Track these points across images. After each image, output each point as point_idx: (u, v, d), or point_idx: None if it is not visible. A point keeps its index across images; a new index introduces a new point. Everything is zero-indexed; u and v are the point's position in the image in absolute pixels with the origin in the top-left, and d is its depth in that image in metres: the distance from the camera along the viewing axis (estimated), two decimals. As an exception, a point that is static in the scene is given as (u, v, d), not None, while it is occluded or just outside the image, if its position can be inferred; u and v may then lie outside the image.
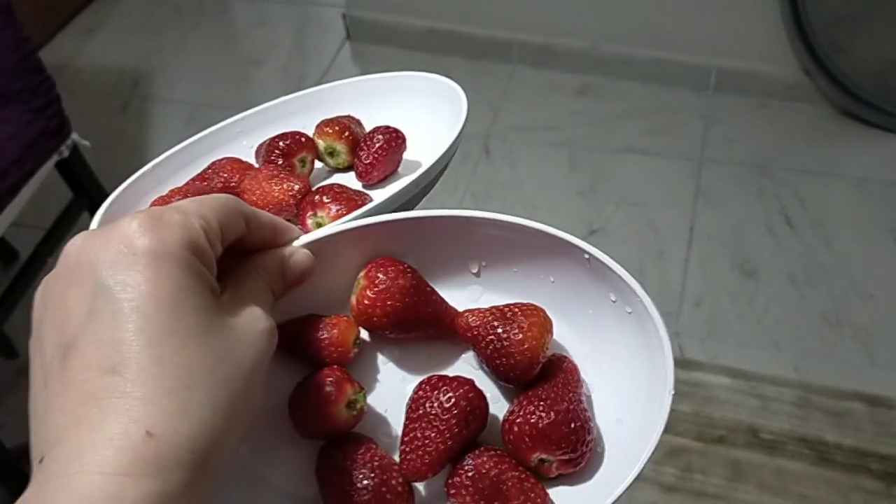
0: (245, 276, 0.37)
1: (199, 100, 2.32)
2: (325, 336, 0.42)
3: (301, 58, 2.41)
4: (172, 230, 0.32)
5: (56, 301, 0.31)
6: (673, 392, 0.37)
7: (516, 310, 0.41)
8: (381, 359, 0.45)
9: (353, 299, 0.42)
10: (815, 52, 1.96)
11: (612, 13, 2.13)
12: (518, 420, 0.39)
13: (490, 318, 0.41)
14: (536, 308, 0.41)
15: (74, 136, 1.51)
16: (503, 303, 0.42)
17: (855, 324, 1.63)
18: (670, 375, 0.37)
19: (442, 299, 0.44)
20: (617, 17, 2.13)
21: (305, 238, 0.41)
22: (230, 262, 0.37)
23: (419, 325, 0.42)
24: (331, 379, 0.41)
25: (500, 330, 0.40)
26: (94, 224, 0.49)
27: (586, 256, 0.41)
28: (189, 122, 2.25)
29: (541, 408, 0.39)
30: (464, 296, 0.45)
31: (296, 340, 0.42)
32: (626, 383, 0.41)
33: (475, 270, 0.45)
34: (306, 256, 0.40)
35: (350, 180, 0.55)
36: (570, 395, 0.40)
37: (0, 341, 1.66)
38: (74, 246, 0.32)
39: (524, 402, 0.39)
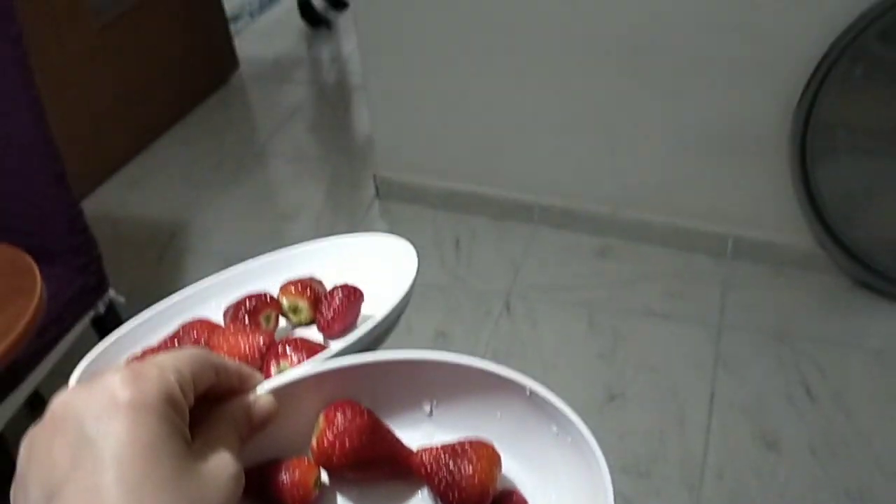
0: (214, 424, 0.40)
1: (233, 253, 2.41)
2: (287, 479, 0.44)
3: (332, 214, 2.52)
4: (151, 384, 0.35)
5: (42, 451, 0.34)
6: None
7: (466, 446, 0.44)
8: (341, 500, 0.47)
9: (314, 441, 0.45)
10: (829, 224, 2.02)
11: (632, 180, 2.22)
12: None
13: (442, 455, 0.44)
14: (485, 444, 0.44)
15: (111, 292, 1.57)
16: (455, 439, 0.45)
17: (879, 501, 1.59)
18: (610, 498, 0.39)
19: (397, 439, 0.46)
20: (636, 184, 2.22)
21: (268, 384, 0.44)
22: (200, 408, 0.39)
23: (377, 463, 0.45)
24: None
25: (451, 465, 0.43)
26: (72, 381, 0.52)
27: (527, 392, 0.44)
28: (221, 274, 2.33)
29: None
30: (418, 434, 0.48)
31: (260, 485, 0.44)
32: None
33: (427, 410, 0.48)
34: (270, 402, 0.44)
35: (312, 334, 0.59)
36: None
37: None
38: (60, 400, 0.35)
39: None
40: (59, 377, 1.74)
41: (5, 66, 1.29)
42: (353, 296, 0.58)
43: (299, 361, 0.50)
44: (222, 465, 0.37)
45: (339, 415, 0.44)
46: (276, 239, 2.48)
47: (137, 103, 2.76)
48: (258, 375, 0.45)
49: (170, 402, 0.35)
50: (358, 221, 2.46)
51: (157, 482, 0.33)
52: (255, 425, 0.43)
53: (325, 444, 0.44)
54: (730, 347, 1.95)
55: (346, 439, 0.44)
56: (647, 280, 2.16)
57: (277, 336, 0.56)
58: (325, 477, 0.47)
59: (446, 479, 0.43)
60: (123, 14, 2.68)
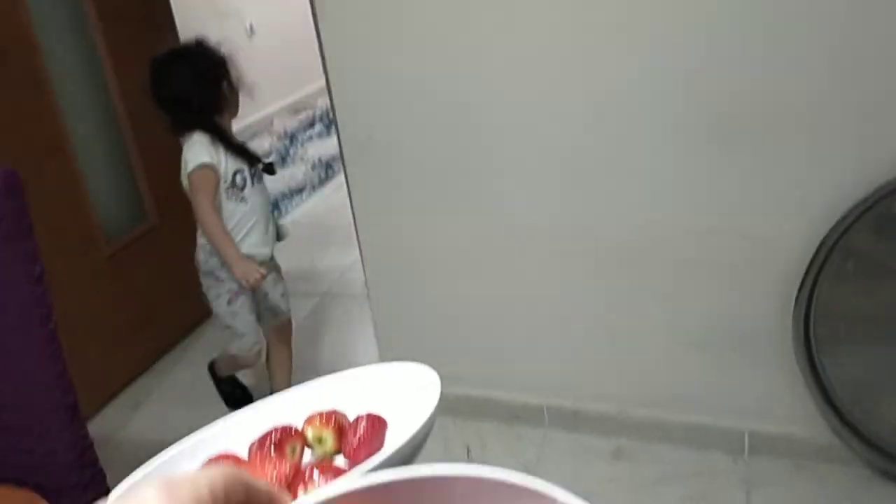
0: None
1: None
2: None
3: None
4: (182, 490, 0.35)
5: None
6: None
7: None
8: None
9: None
10: (842, 413, 2.00)
11: (638, 379, 2.22)
12: None
13: None
14: None
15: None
16: None
17: None
18: None
19: None
20: (643, 382, 2.21)
21: (309, 496, 0.43)
22: None
23: None
24: None
25: None
26: None
27: None
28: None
29: None
30: None
31: None
32: None
33: None
34: None
35: (338, 464, 0.59)
36: None
37: None
38: None
39: None
40: None
41: (27, 305, 1.32)
42: (377, 424, 0.59)
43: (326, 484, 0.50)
44: None
45: None
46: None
47: (142, 325, 2.80)
48: (288, 497, 0.44)
49: None
50: (365, 433, 2.42)
51: None
52: None
53: None
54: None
55: None
56: (665, 482, 2.10)
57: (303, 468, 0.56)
58: None
59: None
60: (134, 238, 2.78)
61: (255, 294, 2.38)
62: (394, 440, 0.58)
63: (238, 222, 2.25)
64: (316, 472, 0.52)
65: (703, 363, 2.11)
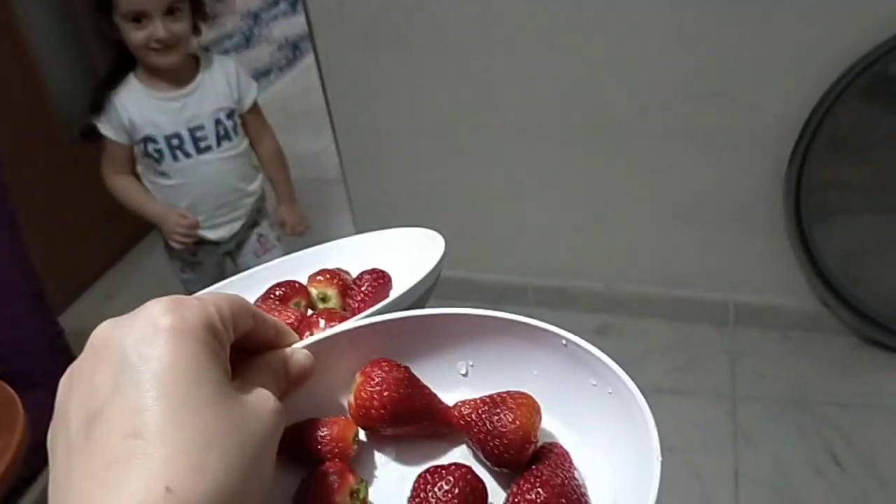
0: (253, 372, 0.40)
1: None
2: (326, 434, 0.44)
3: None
4: (192, 311, 0.35)
5: (83, 380, 0.34)
6: (661, 459, 0.37)
7: (505, 395, 0.43)
8: (380, 459, 0.46)
9: (351, 397, 0.44)
10: (831, 283, 1.98)
11: (625, 255, 2.18)
12: (517, 500, 0.39)
13: (481, 405, 0.43)
14: (524, 393, 0.43)
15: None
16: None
17: (931, 575, 1.50)
18: (656, 444, 0.38)
19: (434, 394, 0.45)
20: (630, 258, 2.17)
21: (304, 341, 0.44)
22: (239, 359, 0.39)
23: (414, 417, 0.44)
24: (334, 469, 0.42)
25: (491, 415, 0.42)
26: None
27: (563, 342, 0.43)
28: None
29: (537, 485, 0.39)
30: (454, 396, 0.46)
31: (298, 443, 0.44)
32: (617, 464, 0.41)
33: (463, 371, 0.47)
34: (306, 356, 0.43)
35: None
36: (564, 473, 0.41)
37: None
38: (101, 330, 0.35)
39: (521, 483, 0.40)
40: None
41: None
42: (381, 278, 0.58)
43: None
44: (263, 398, 0.37)
45: (376, 369, 0.44)
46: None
47: (112, 215, 2.68)
48: (294, 335, 0.44)
49: (210, 331, 0.35)
50: (346, 317, 2.38)
51: (198, 403, 0.32)
52: (292, 379, 0.42)
53: (363, 398, 0.43)
54: (747, 420, 1.87)
55: (384, 392, 0.43)
56: (651, 356, 2.09)
57: None
58: (362, 436, 0.46)
59: (487, 429, 0.42)
60: (94, 126, 2.63)
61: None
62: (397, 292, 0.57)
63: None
64: (322, 319, 0.52)
65: (691, 237, 2.06)
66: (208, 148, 1.80)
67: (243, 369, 0.39)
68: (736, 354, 2.05)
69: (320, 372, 0.44)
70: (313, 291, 0.60)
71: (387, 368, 0.44)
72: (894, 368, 1.95)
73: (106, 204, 2.62)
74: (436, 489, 0.40)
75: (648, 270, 2.17)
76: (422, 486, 0.40)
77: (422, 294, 0.54)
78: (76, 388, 0.34)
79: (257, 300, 0.59)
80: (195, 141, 1.78)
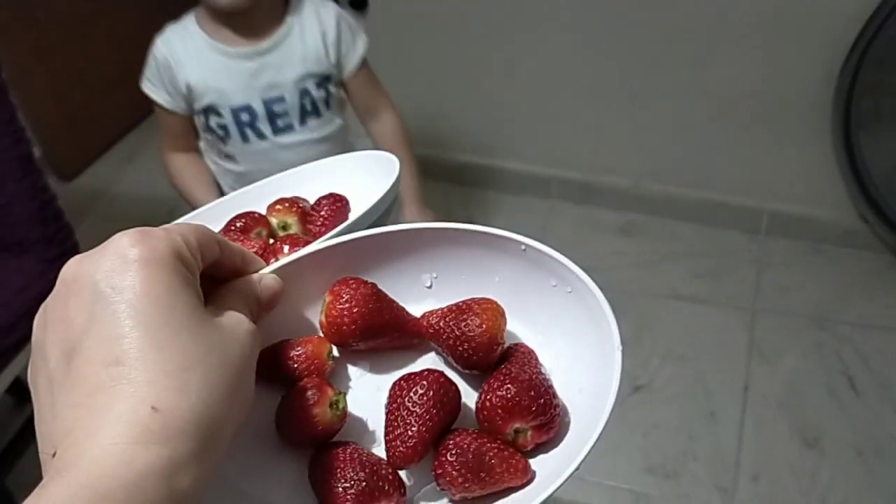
0: (224, 297, 0.40)
1: (232, 231, 2.28)
2: (301, 353, 0.45)
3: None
4: (159, 240, 0.35)
5: (57, 315, 0.34)
6: (621, 348, 0.40)
7: (470, 302, 0.45)
8: (354, 373, 0.48)
9: (322, 316, 0.46)
10: (873, 197, 1.85)
11: (657, 152, 2.05)
12: (488, 397, 0.42)
13: (448, 314, 0.45)
14: (488, 299, 0.45)
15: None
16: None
17: (934, 508, 1.45)
18: (615, 334, 0.40)
19: (402, 307, 0.47)
20: (663, 155, 2.05)
21: (271, 266, 0.45)
22: (208, 291, 0.39)
23: (384, 330, 0.46)
24: (312, 384, 0.44)
25: (458, 321, 0.44)
26: None
27: (522, 248, 0.45)
28: (219, 255, 2.20)
29: (507, 382, 0.42)
30: (421, 308, 0.48)
31: (274, 364, 0.45)
32: (580, 357, 0.43)
33: (428, 284, 0.49)
34: (275, 280, 0.44)
35: None
36: (531, 369, 0.43)
37: (1, 496, 1.56)
38: (70, 265, 0.35)
39: (491, 382, 0.42)
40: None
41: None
42: (339, 202, 0.59)
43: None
44: (238, 320, 0.38)
45: (344, 288, 0.45)
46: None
47: (132, 74, 2.61)
48: (261, 261, 0.45)
49: (179, 259, 0.35)
50: (364, 197, 2.31)
51: (175, 327, 0.33)
52: (263, 303, 0.43)
53: (334, 314, 0.45)
54: (765, 334, 1.80)
55: (354, 308, 0.44)
56: (674, 260, 2.00)
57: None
58: (335, 352, 0.47)
59: (455, 335, 0.44)
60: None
61: None
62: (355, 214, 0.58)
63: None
64: (285, 245, 0.53)
65: (729, 137, 1.93)
66: (289, 127, 1.37)
67: (215, 296, 0.40)
68: (763, 265, 1.95)
69: (289, 294, 0.45)
70: (273, 221, 0.60)
71: (354, 286, 0.45)
72: (929, 292, 1.84)
73: (127, 62, 2.56)
74: (411, 394, 0.42)
75: (681, 170, 2.05)
76: (398, 393, 0.43)
77: (380, 215, 0.54)
78: (50, 323, 0.34)
79: (219, 232, 0.58)
80: (271, 117, 1.36)
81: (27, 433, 1.47)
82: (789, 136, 1.88)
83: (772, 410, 1.65)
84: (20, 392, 1.75)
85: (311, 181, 0.64)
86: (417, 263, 0.48)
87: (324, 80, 1.38)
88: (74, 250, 1.40)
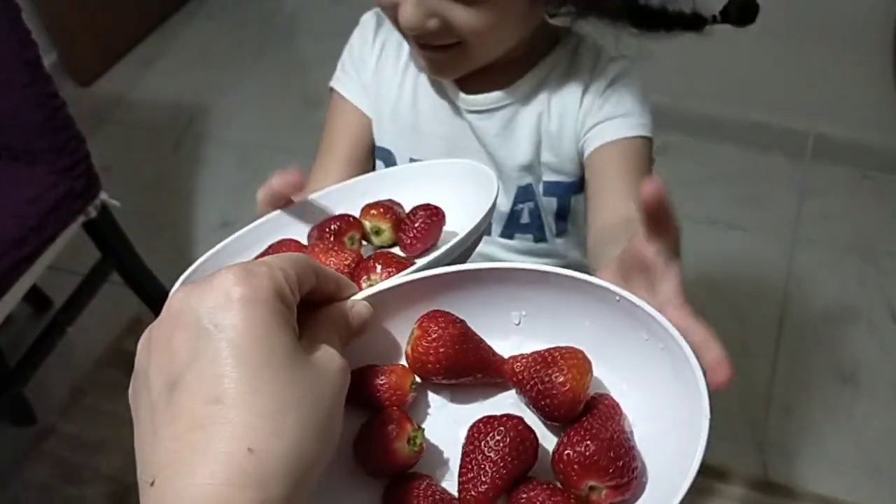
0: (317, 326, 0.41)
1: (253, 141, 2.21)
2: (384, 381, 0.46)
3: (361, 100, 2.28)
4: (262, 280, 0.36)
5: (162, 345, 0.35)
6: (709, 416, 0.38)
7: (556, 354, 0.44)
8: (435, 405, 0.48)
9: (408, 348, 0.47)
10: (932, 122, 1.74)
11: (697, 66, 1.93)
12: (566, 451, 0.41)
13: (533, 364, 0.44)
14: (575, 350, 0.44)
15: (103, 195, 1.39)
16: (544, 347, 0.46)
17: (973, 451, 1.40)
18: (705, 402, 0.39)
19: (488, 346, 0.47)
20: (702, 70, 1.93)
21: (364, 293, 0.46)
22: (302, 313, 0.40)
23: (468, 370, 0.46)
24: (392, 418, 0.44)
25: (542, 374, 0.43)
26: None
27: (617, 299, 0.44)
28: (240, 166, 2.14)
29: (587, 437, 0.41)
30: (507, 344, 0.48)
31: (357, 389, 0.44)
32: (665, 416, 0.42)
33: (517, 321, 0.48)
34: (366, 307, 0.45)
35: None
36: (614, 426, 0.42)
37: (19, 406, 1.56)
38: (177, 297, 0.36)
39: (571, 434, 0.42)
40: (63, 272, 1.60)
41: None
42: (435, 215, 0.59)
43: (388, 275, 0.51)
44: (330, 358, 0.39)
45: (432, 323, 0.45)
46: (301, 126, 2.25)
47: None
48: (354, 286, 0.46)
49: (280, 297, 0.36)
50: (390, 109, 2.22)
51: (274, 369, 0.34)
52: (353, 330, 0.44)
53: (420, 351, 0.45)
54: (804, 264, 1.72)
55: (441, 346, 0.45)
56: (711, 183, 1.91)
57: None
58: (417, 380, 0.48)
59: (538, 388, 0.43)
60: None
61: None
62: (451, 233, 0.59)
63: None
64: (378, 263, 0.53)
65: (778, 53, 1.81)
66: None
67: (308, 324, 0.40)
68: (806, 192, 1.85)
69: (378, 321, 0.46)
70: (367, 224, 0.60)
71: (443, 324, 0.45)
72: (982, 225, 1.74)
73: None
74: (488, 439, 0.42)
75: (723, 87, 1.94)
76: (475, 436, 0.43)
77: (476, 239, 0.54)
78: (155, 351, 0.36)
79: (313, 229, 0.61)
80: None
81: (45, 343, 1.45)
82: (843, 51, 1.76)
83: (807, 344, 1.59)
84: (37, 301, 1.73)
85: (404, 183, 0.64)
86: (508, 300, 0.48)
87: (565, 188, 0.92)
88: (87, 161, 1.35)
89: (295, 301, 0.38)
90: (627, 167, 0.79)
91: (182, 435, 0.33)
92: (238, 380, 0.33)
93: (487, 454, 0.42)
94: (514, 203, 0.86)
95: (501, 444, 0.42)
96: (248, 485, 0.31)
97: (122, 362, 1.72)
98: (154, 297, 1.64)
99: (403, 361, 0.48)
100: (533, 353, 0.45)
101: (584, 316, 0.46)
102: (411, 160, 0.85)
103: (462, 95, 0.81)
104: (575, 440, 0.41)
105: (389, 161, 0.88)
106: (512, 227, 0.87)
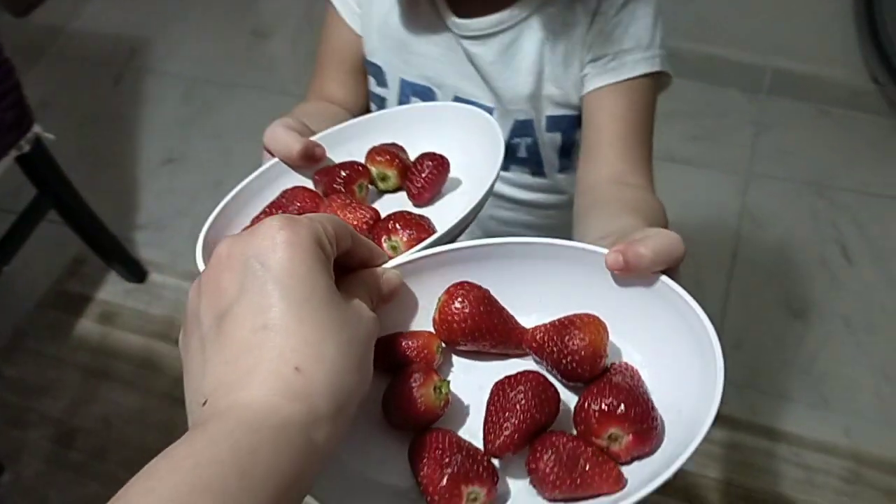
0: (350, 286, 0.43)
1: (198, 75, 2.13)
2: (412, 344, 0.48)
3: (310, 31, 2.20)
4: (302, 226, 0.39)
5: (211, 285, 0.38)
6: (724, 370, 0.40)
7: (574, 317, 0.46)
8: (459, 368, 0.50)
9: (435, 313, 0.48)
10: (888, 56, 1.73)
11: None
12: (587, 402, 0.43)
13: (552, 329, 0.46)
14: (591, 315, 0.46)
15: (37, 128, 1.32)
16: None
17: (920, 383, 1.42)
18: (720, 365, 0.40)
19: (511, 315, 0.49)
20: (660, 6, 1.89)
21: (395, 261, 0.49)
22: (337, 279, 0.41)
23: (491, 332, 0.48)
24: (419, 369, 0.46)
25: (563, 334, 0.45)
26: (198, 259, 0.53)
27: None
28: (185, 100, 2.06)
29: (606, 391, 0.42)
30: (526, 320, 0.49)
31: (386, 353, 0.47)
32: (682, 381, 0.43)
33: (538, 298, 0.49)
34: (396, 276, 0.48)
35: (400, 200, 0.62)
36: (632, 382, 0.44)
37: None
38: (224, 245, 0.39)
39: (592, 388, 0.44)
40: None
41: None
42: (441, 165, 0.60)
43: (410, 237, 0.54)
44: (362, 307, 0.41)
45: (459, 289, 0.48)
46: (249, 59, 2.18)
47: None
48: (385, 255, 0.48)
49: (319, 244, 0.39)
50: (341, 41, 2.14)
51: (315, 304, 0.37)
52: (384, 295, 0.46)
53: (447, 312, 0.47)
54: (758, 199, 1.72)
55: (466, 308, 0.47)
56: (669, 120, 1.86)
57: (368, 203, 0.61)
58: (444, 348, 0.49)
59: (559, 347, 0.45)
60: None
61: None
62: (454, 179, 0.61)
63: None
64: (398, 224, 0.55)
65: (738, -16, 1.78)
66: None
67: (343, 283, 0.42)
68: (762, 127, 1.84)
69: (406, 290, 0.49)
70: (373, 171, 0.62)
71: (468, 288, 0.48)
72: (935, 160, 1.75)
73: None
74: (511, 391, 0.44)
75: (679, 22, 1.90)
76: (499, 388, 0.45)
77: (488, 196, 0.55)
78: (205, 293, 0.39)
79: (321, 174, 0.61)
80: None
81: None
82: (803, -15, 1.73)
83: (759, 279, 1.59)
84: None
85: (409, 126, 0.65)
86: (529, 274, 0.49)
87: (569, 121, 0.88)
88: (17, 91, 1.27)
89: (332, 253, 0.41)
90: (624, 119, 0.74)
91: (232, 359, 0.36)
92: (284, 310, 0.36)
93: (513, 404, 0.43)
94: (511, 137, 0.79)
95: (524, 395, 0.43)
96: (297, 398, 0.35)
97: (64, 303, 1.67)
98: (95, 236, 1.58)
99: (430, 329, 0.49)
100: (550, 321, 0.47)
101: (602, 287, 0.47)
102: (402, 81, 0.79)
103: (454, 19, 0.73)
104: (595, 391, 0.43)
105: (380, 77, 0.81)
106: (507, 159, 0.80)
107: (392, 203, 0.62)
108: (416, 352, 0.48)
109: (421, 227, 0.55)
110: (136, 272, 1.69)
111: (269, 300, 0.36)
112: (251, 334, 0.36)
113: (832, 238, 1.64)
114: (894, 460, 1.33)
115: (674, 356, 0.44)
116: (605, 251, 0.45)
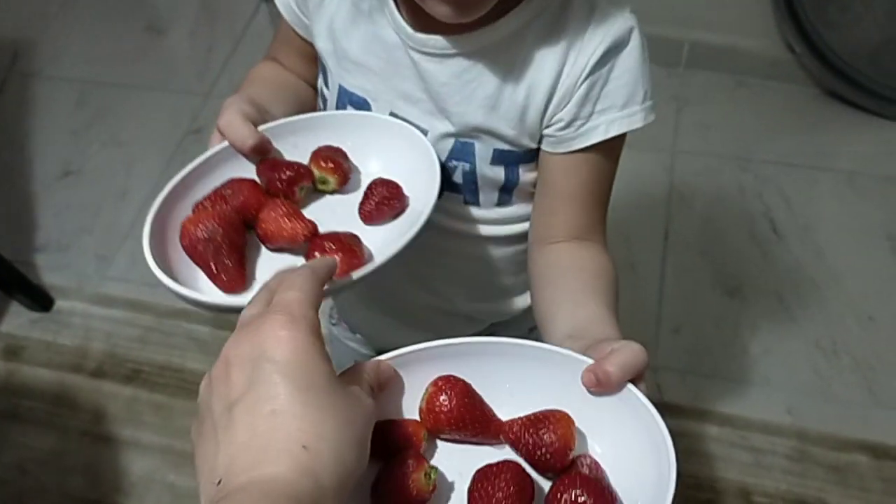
0: (352, 376, 0.49)
1: (91, 77, 1.98)
2: (401, 431, 0.52)
3: (210, 24, 2.07)
4: (302, 322, 0.43)
5: (221, 380, 0.42)
6: (676, 471, 0.44)
7: (547, 413, 0.50)
8: (441, 454, 0.53)
9: (423, 404, 0.52)
10: (803, 25, 1.73)
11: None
12: (560, 493, 0.46)
13: (527, 423, 0.50)
14: (561, 411, 0.50)
15: None
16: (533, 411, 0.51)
17: (854, 353, 1.43)
18: (673, 462, 0.44)
19: (490, 408, 0.53)
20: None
21: (387, 356, 0.53)
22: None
23: (474, 425, 0.52)
24: (411, 455, 0.49)
25: (536, 429, 0.50)
26: (144, 246, 0.57)
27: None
28: (78, 106, 1.92)
29: (577, 482, 0.47)
30: (500, 410, 0.53)
31: (376, 439, 0.47)
32: (638, 473, 0.47)
33: (510, 390, 0.53)
34: (391, 368, 0.52)
35: (342, 202, 0.66)
36: (598, 474, 0.49)
37: None
38: (232, 344, 0.43)
39: (564, 480, 0.47)
40: None
41: None
42: (395, 198, 0.63)
43: (341, 261, 0.57)
44: (362, 392, 0.46)
45: (445, 382, 0.52)
46: (145, 57, 2.04)
47: None
48: (330, 259, 0.54)
49: (316, 335, 0.43)
50: (241, 33, 2.03)
51: (316, 390, 0.41)
52: (380, 382, 0.51)
53: (435, 403, 0.51)
54: (685, 177, 1.70)
55: (452, 400, 0.51)
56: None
57: (304, 201, 0.65)
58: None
59: (533, 440, 0.49)
60: None
61: None
62: (407, 212, 0.64)
63: None
64: (330, 244, 0.59)
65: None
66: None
67: (344, 374, 0.49)
68: (683, 101, 1.82)
69: (397, 380, 0.53)
70: (316, 173, 0.65)
71: (453, 382, 0.52)
72: (851, 127, 1.76)
73: None
74: (493, 479, 0.47)
75: None
76: (480, 478, 0.48)
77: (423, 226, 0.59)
78: (215, 386, 0.43)
79: (266, 168, 0.64)
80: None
81: None
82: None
83: (692, 258, 1.58)
84: None
85: (354, 132, 0.67)
86: (505, 371, 0.53)
87: (525, 154, 0.75)
88: None
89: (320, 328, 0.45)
90: (586, 184, 0.67)
91: (245, 441, 0.39)
92: (289, 396, 0.40)
93: (493, 493, 0.47)
94: (448, 159, 0.69)
95: (504, 485, 0.47)
96: (305, 473, 0.38)
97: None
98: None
99: (416, 417, 0.53)
100: (525, 415, 0.51)
101: (565, 386, 0.51)
102: (341, 87, 0.71)
103: (410, 32, 0.64)
104: (567, 483, 0.47)
105: (325, 76, 0.73)
106: (441, 183, 0.66)
107: (334, 204, 0.66)
108: (404, 439, 0.51)
109: (353, 254, 0.59)
110: (40, 300, 1.56)
111: (276, 389, 0.40)
112: (261, 419, 0.39)
113: (760, 212, 1.63)
114: (836, 435, 1.33)
115: (631, 452, 0.48)
116: (572, 354, 0.50)
